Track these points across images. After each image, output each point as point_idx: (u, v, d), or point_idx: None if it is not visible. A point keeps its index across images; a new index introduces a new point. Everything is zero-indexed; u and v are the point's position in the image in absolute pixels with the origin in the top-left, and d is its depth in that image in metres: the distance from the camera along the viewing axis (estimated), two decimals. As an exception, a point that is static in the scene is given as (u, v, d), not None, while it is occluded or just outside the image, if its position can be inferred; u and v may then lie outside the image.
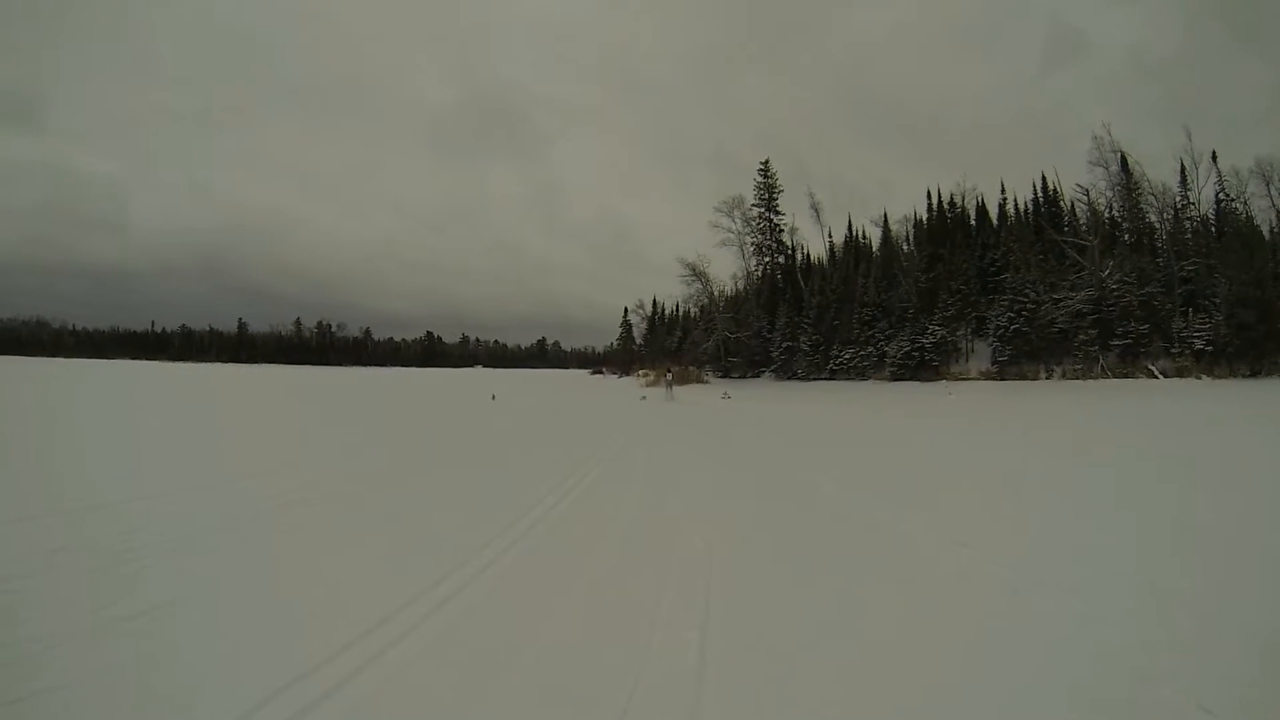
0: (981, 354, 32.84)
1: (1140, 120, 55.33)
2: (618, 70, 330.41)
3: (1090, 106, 79.84)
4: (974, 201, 38.56)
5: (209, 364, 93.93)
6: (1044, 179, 35.91)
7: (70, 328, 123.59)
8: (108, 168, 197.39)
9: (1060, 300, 29.98)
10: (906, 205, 73.19)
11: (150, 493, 5.64)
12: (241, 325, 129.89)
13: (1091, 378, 27.07)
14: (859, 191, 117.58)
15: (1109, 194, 32.71)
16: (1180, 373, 24.91)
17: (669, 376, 28.86)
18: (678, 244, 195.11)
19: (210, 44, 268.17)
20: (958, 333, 34.40)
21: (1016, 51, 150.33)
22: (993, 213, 37.78)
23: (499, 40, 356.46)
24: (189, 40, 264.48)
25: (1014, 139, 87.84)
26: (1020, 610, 3.08)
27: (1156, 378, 25.08)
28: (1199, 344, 25.12)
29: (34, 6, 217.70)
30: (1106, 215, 32.69)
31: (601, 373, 75.70)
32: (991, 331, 31.83)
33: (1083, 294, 29.41)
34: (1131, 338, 27.27)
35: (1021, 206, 36.66)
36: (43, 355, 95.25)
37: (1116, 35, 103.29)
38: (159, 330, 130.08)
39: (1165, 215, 31.07)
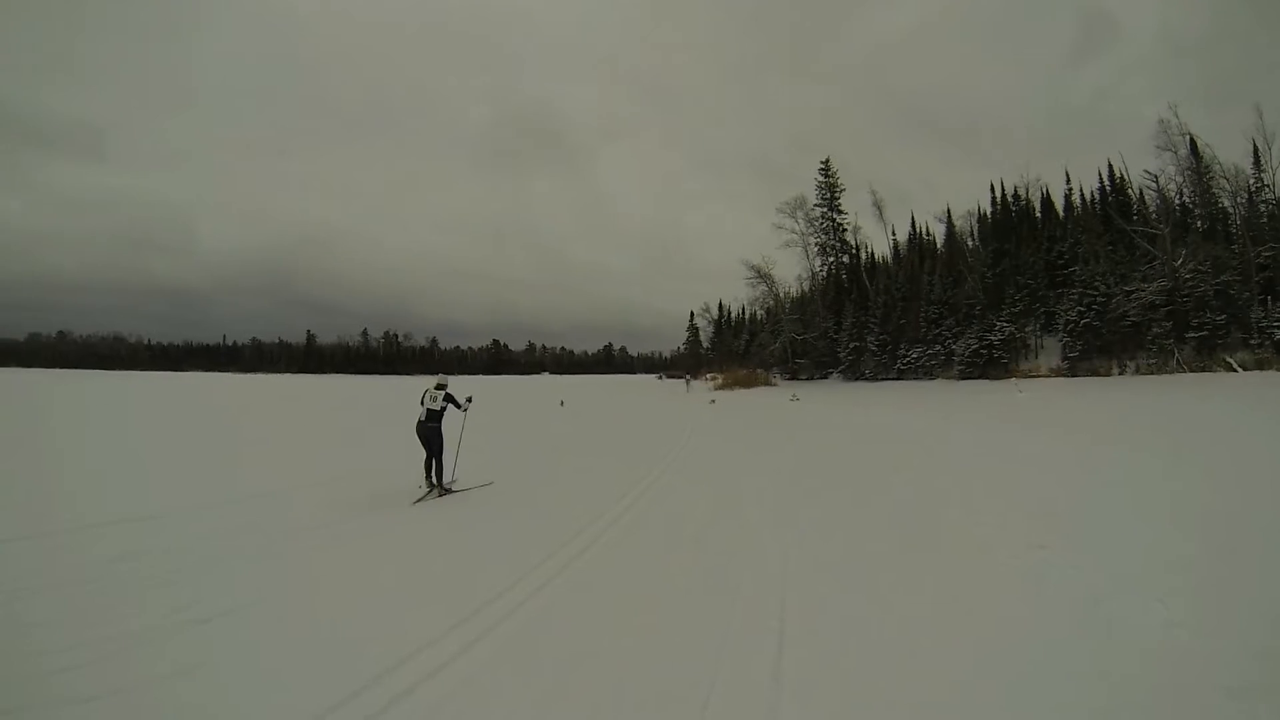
0: (1051, 350, 33.06)
1: (1206, 99, 52.79)
2: (653, 83, 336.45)
3: (1136, 90, 76.76)
4: (1039, 193, 38.39)
5: (279, 375, 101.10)
6: (1110, 166, 35.60)
7: (146, 342, 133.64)
8: (174, 195, 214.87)
9: (1132, 292, 29.92)
10: (950, 203, 72.01)
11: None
12: (310, 337, 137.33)
13: (1166, 372, 27.17)
14: (900, 191, 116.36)
15: (1178, 179, 32.21)
16: (1260, 365, 24.82)
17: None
18: (727, 249, 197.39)
19: (264, 79, 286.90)
20: (1026, 329, 34.67)
21: (1048, 42, 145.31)
22: (1058, 204, 37.58)
23: (535, 62, 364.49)
24: (244, 77, 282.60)
25: (1057, 130, 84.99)
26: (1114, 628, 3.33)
27: (1235, 371, 25.05)
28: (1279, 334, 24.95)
29: (98, 50, 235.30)
30: (1177, 202, 32.16)
31: (661, 377, 77.47)
32: (1061, 326, 32.05)
33: (1155, 285, 29.30)
34: (1207, 329, 27.17)
35: (1088, 196, 36.32)
36: (120, 369, 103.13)
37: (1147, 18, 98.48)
38: (230, 344, 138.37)
39: (1239, 199, 30.46)
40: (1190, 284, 28.32)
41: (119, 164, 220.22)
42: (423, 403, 7.91)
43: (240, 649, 3.35)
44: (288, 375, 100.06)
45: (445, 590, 4.25)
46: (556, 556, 5.01)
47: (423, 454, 7.71)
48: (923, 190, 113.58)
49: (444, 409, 7.98)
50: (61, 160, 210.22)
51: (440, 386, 8.09)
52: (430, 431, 7.74)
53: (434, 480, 7.70)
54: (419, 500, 7.32)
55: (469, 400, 8.68)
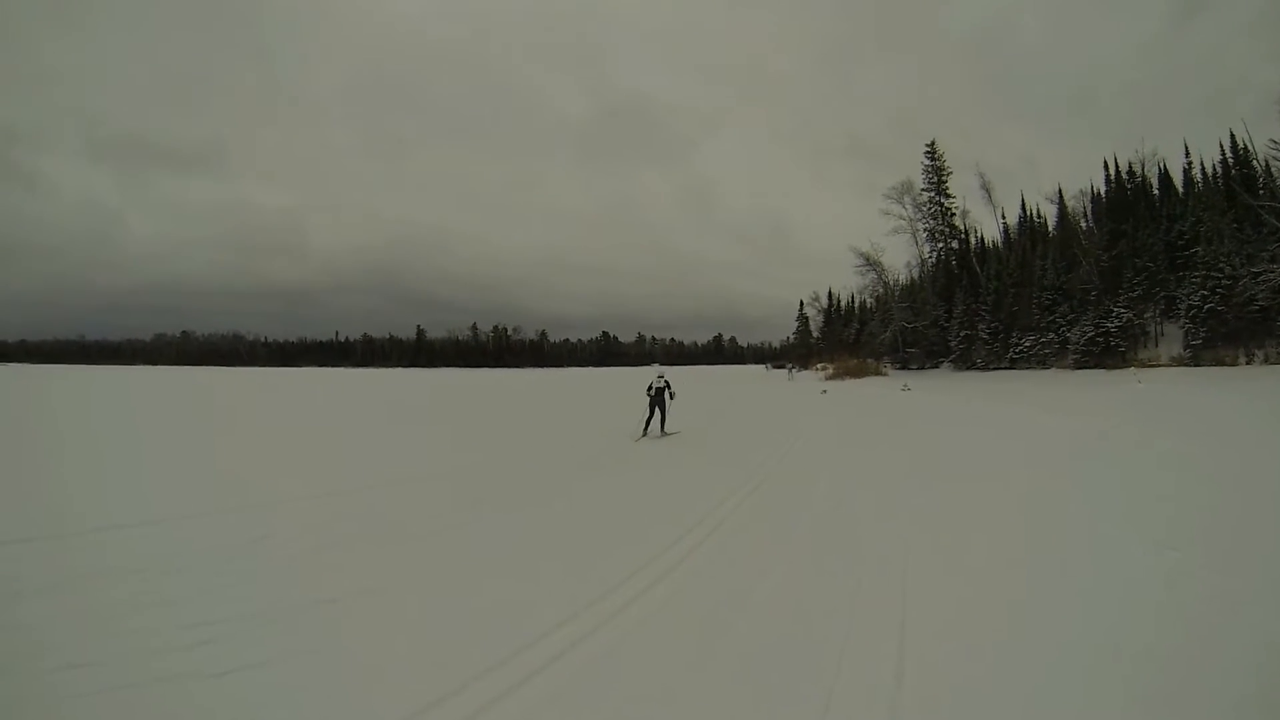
0: (1172, 337, 32.77)
1: None
2: (746, 71, 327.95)
3: (1253, 51, 69.05)
4: (1155, 169, 37.31)
5: (391, 369, 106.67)
6: (1231, 137, 34.11)
7: (263, 340, 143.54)
8: (285, 201, 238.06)
9: (1260, 274, 29.05)
10: (1050, 182, 68.36)
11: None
12: (420, 332, 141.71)
13: (1297, 361, 26.76)
14: (1006, 172, 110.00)
15: (1310, 147, 30.70)
16: (1400, 351, 24.24)
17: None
18: (831, 236, 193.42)
19: (365, 87, 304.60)
20: (1145, 315, 34.37)
21: (1148, 9, 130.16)
22: (1177, 180, 36.42)
23: (625, 54, 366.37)
24: (346, 86, 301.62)
25: (1171, 100, 78.18)
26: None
27: (1371, 359, 24.60)
28: None
29: (203, 71, 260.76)
30: (1308, 173, 30.77)
31: (768, 368, 79.01)
32: (1183, 312, 31.69)
33: (1286, 266, 28.55)
34: (1343, 314, 26.49)
35: (1209, 170, 35.04)
36: (239, 365, 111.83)
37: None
38: (342, 339, 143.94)
39: (1381, 168, 28.93)
40: (1324, 264, 27.54)
41: (237, 175, 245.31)
42: (650, 385, 13.02)
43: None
44: (399, 370, 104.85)
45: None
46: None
47: (644, 413, 12.93)
48: (1032, 170, 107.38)
49: (662, 389, 12.89)
50: (186, 175, 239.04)
51: (660, 376, 13.22)
52: (653, 401, 12.85)
53: (654, 429, 12.81)
54: (638, 440, 12.26)
55: (673, 395, 13.31)
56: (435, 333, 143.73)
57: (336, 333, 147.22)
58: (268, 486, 7.54)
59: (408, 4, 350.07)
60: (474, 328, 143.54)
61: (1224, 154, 34.46)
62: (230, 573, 4.40)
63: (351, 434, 14.37)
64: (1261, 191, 31.46)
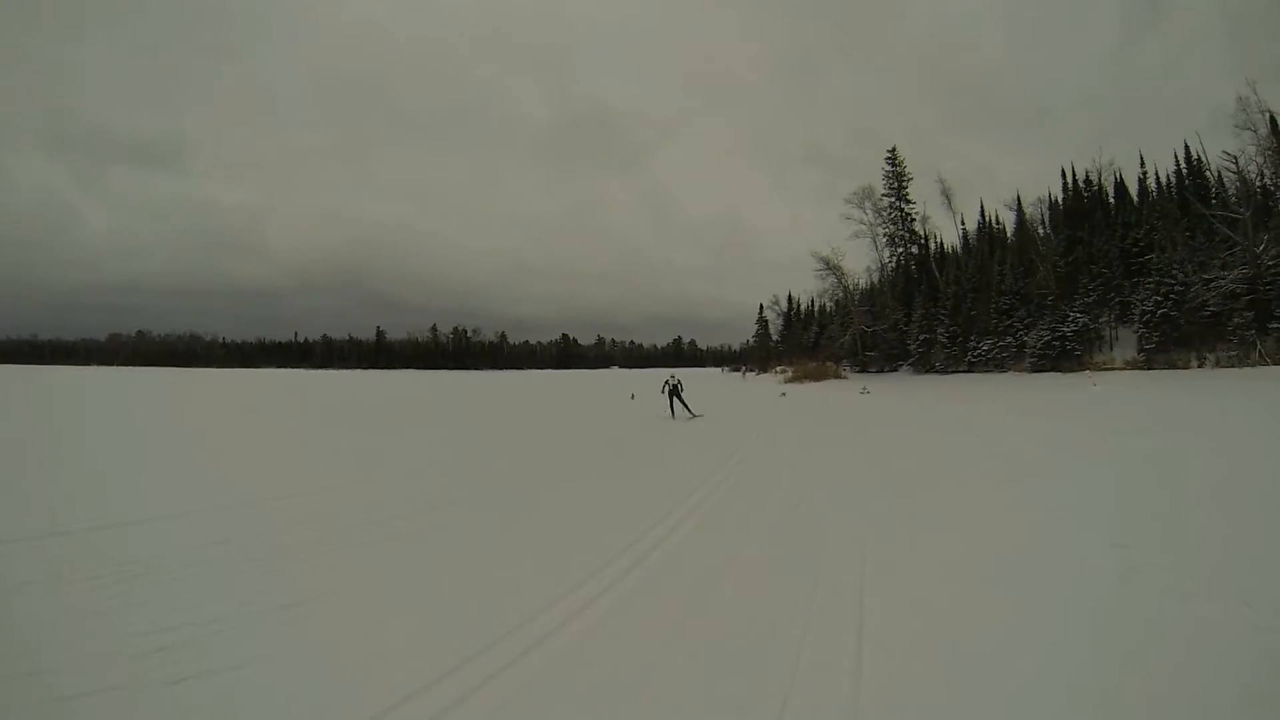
0: (1126, 341, 33.01)
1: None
2: (709, 78, 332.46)
3: (1205, 66, 72.92)
4: (1112, 178, 37.81)
5: (351, 370, 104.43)
6: (1186, 148, 34.76)
7: (220, 340, 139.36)
8: (248, 199, 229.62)
9: (1211, 281, 29.55)
10: (1010, 191, 70.38)
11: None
12: (380, 333, 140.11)
13: (1248, 365, 27.02)
14: (965, 180, 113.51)
15: (1259, 160, 31.29)
16: (1346, 356, 24.54)
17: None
18: (792, 241, 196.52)
19: (330, 87, 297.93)
20: (1100, 319, 34.61)
21: (1101, 20, 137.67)
22: (1133, 189, 36.94)
23: (588, 59, 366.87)
24: (312, 85, 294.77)
25: (1125, 112, 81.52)
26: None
27: (1320, 362, 24.85)
28: (1367, 325, 24.59)
29: (171, 67, 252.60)
30: (1258, 184, 31.33)
31: (724, 370, 79.18)
32: (1136, 317, 31.96)
33: (1236, 273, 28.92)
34: (1292, 319, 26.82)
35: (1164, 180, 35.62)
36: (196, 366, 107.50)
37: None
38: (301, 340, 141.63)
39: (1326, 180, 29.58)
40: (1274, 271, 27.92)
41: (198, 172, 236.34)
42: (664, 384, 18.59)
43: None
44: (359, 371, 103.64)
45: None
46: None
47: (665, 403, 18.30)
48: (989, 179, 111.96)
49: (675, 386, 18.27)
50: (146, 172, 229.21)
51: (673, 376, 19.37)
52: (670, 394, 18.17)
53: (677, 413, 17.93)
54: (665, 419, 17.46)
55: (680, 393, 18.46)
56: (395, 334, 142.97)
57: (296, 334, 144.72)
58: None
59: (376, 5, 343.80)
60: (434, 329, 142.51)
61: (1179, 165, 35.13)
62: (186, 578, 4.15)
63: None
64: (1214, 201, 31.99)
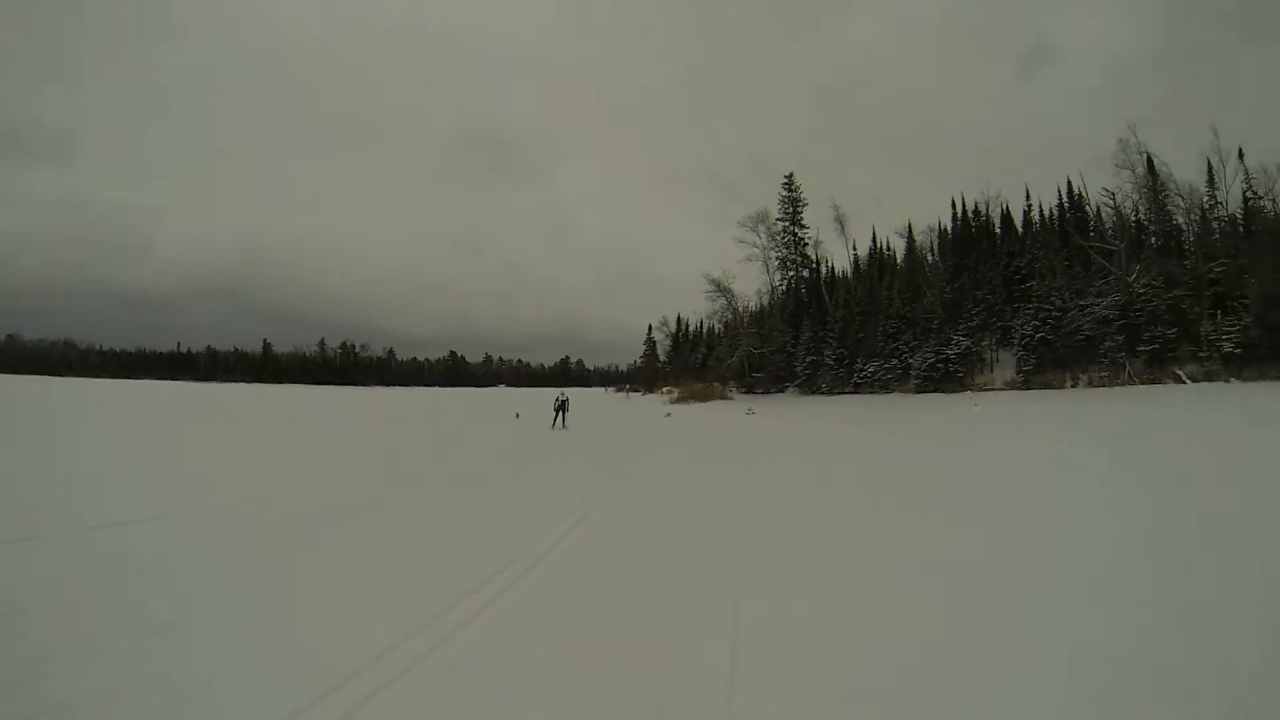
0: (1006, 363, 32.37)
1: (1166, 118, 53.77)
2: (609, 100, 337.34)
3: (1088, 110, 79.73)
4: (999, 210, 38.08)
5: (235, 384, 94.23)
6: (1069, 184, 35.43)
7: (97, 348, 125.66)
8: (135, 200, 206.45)
9: (1086, 307, 29.50)
10: (900, 219, 72.74)
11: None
12: (266, 346, 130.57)
13: (1118, 384, 26.47)
14: (861, 208, 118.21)
15: (1135, 197, 32.07)
16: (1209, 376, 24.25)
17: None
18: (684, 263, 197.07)
19: (224, 93, 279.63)
20: (983, 343, 34.00)
21: (996, 63, 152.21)
22: (1018, 221, 37.26)
23: (485, 78, 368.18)
24: (206, 90, 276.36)
25: (1016, 149, 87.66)
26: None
27: (1184, 383, 24.43)
28: (1228, 347, 24.46)
29: (63, 56, 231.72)
30: (1133, 219, 31.99)
31: (608, 391, 76.58)
32: (1017, 340, 31.47)
33: (1109, 300, 28.91)
34: (1159, 343, 26.65)
35: (1047, 213, 36.10)
36: (70, 375, 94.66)
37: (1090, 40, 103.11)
38: (184, 351, 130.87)
39: (1192, 216, 30.29)
40: (1143, 298, 27.93)
41: (88, 168, 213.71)
42: (556, 399, 21.38)
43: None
44: (243, 385, 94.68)
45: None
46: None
47: (551, 416, 20.62)
48: (882, 207, 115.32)
49: (563, 403, 21.02)
50: (30, 163, 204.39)
51: (563, 393, 23.17)
52: (558, 410, 20.58)
53: (558, 426, 19.68)
54: (552, 429, 18.94)
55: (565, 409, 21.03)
56: (282, 347, 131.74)
57: (179, 343, 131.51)
58: None
59: (284, 7, 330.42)
60: (321, 343, 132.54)
61: (1061, 199, 35.75)
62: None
63: None
64: (1092, 234, 32.33)
